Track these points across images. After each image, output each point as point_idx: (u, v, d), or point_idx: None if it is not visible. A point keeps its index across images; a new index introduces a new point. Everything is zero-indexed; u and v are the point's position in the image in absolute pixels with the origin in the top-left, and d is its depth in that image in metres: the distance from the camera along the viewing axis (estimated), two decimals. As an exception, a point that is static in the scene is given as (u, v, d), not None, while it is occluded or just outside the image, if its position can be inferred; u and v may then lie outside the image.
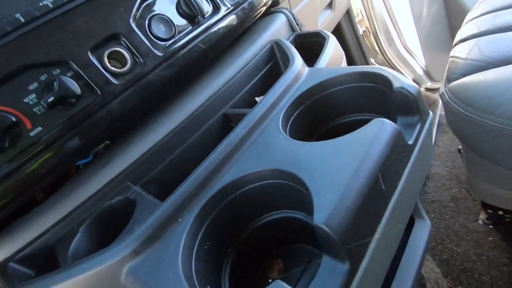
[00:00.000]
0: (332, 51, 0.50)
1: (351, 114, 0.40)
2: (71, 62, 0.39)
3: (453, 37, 1.62)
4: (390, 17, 1.48)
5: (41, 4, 0.38)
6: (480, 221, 0.84)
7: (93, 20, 0.41)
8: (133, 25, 0.44)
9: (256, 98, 0.57)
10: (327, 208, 0.22)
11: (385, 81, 0.33)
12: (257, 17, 0.62)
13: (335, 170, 0.25)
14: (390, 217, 0.25)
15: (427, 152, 0.31)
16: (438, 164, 1.05)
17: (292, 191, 0.30)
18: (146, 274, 0.27)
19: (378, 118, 0.28)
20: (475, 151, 0.61)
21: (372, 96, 0.37)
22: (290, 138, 0.33)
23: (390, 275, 0.40)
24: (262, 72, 0.58)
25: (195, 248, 0.29)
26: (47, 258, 0.41)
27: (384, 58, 1.58)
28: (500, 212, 0.81)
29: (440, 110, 1.39)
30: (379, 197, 0.25)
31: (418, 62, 1.62)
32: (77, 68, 0.39)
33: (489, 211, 0.84)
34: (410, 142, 0.29)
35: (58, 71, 0.39)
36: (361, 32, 1.49)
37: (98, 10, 0.41)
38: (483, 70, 0.56)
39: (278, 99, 0.39)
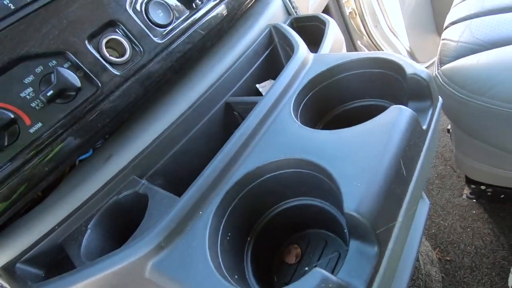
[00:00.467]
0: (334, 36, 0.50)
1: (359, 99, 0.40)
2: (67, 52, 0.37)
3: (436, 19, 1.65)
4: (376, -2, 1.48)
5: (31, -12, 0.35)
6: (464, 196, 0.90)
7: (88, 5, 0.38)
8: (130, 11, 0.41)
9: (257, 85, 0.56)
10: (356, 196, 0.23)
11: (397, 67, 0.33)
12: (253, 0, 0.60)
13: (359, 158, 0.26)
14: (410, 200, 0.27)
15: (436, 135, 0.33)
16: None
17: (310, 180, 0.31)
18: (173, 268, 0.27)
19: (396, 105, 0.28)
20: (465, 130, 0.64)
21: (381, 82, 0.38)
22: (305, 126, 0.33)
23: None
24: (262, 58, 0.57)
25: (219, 240, 0.29)
26: (56, 257, 0.40)
27: (370, 39, 1.59)
28: (482, 187, 0.87)
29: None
30: (401, 182, 0.26)
31: (403, 44, 1.65)
32: (74, 58, 0.37)
33: (472, 186, 0.89)
34: (424, 127, 0.30)
35: (54, 62, 0.36)
36: (347, 14, 1.48)
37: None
38: (476, 53, 0.57)
39: (287, 86, 0.39)
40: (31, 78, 0.35)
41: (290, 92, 0.39)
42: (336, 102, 0.42)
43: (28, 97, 0.35)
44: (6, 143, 0.33)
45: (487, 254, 0.74)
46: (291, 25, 0.63)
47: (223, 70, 0.51)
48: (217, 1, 0.51)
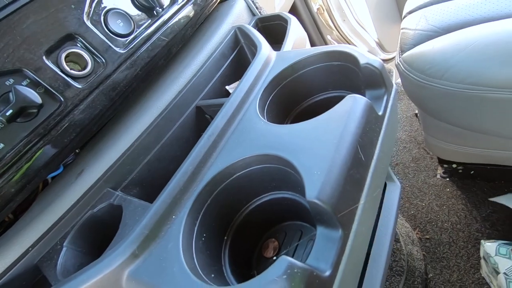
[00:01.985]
0: (296, 33, 0.51)
1: (322, 92, 0.42)
2: (25, 69, 0.36)
3: (399, 9, 1.72)
4: (340, -8, 1.52)
5: (-21, 7, 0.34)
6: (438, 176, 0.94)
7: (43, 20, 0.38)
8: (88, 23, 0.41)
9: (227, 87, 0.57)
10: (317, 184, 0.24)
11: (351, 58, 0.35)
12: (216, 3, 0.61)
13: (318, 148, 0.27)
14: (370, 183, 0.28)
15: (394, 120, 0.34)
16: (398, 129, 1.14)
17: (278, 173, 0.32)
18: (149, 275, 0.28)
19: (351, 95, 0.30)
20: (430, 113, 0.68)
21: (340, 74, 0.39)
22: (270, 123, 0.34)
23: (372, 235, 0.44)
24: (229, 60, 0.57)
25: (193, 241, 0.30)
26: (33, 279, 0.39)
27: (339, 33, 1.63)
28: (454, 165, 0.91)
29: (395, 78, 1.48)
30: (360, 167, 0.27)
31: (371, 35, 1.70)
32: (33, 75, 0.36)
33: (445, 166, 0.94)
34: (380, 113, 0.31)
35: (12, 80, 0.36)
36: (315, 10, 1.52)
37: (46, 8, 0.38)
38: (431, 39, 0.61)
39: (252, 85, 0.40)
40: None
41: (255, 91, 0.40)
42: (301, 97, 0.43)
43: (-17, 119, 0.34)
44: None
45: (462, 229, 0.77)
46: (256, 25, 0.64)
47: (191, 75, 0.52)
48: (178, 6, 0.51)
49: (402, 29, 0.71)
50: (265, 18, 0.62)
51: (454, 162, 0.90)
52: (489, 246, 0.67)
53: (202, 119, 0.52)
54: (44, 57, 0.37)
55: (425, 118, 0.73)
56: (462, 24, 0.58)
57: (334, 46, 0.37)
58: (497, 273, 0.65)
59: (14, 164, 0.36)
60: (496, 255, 0.66)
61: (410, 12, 0.72)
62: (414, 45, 0.63)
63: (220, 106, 0.49)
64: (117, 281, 0.29)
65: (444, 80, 0.55)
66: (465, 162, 0.83)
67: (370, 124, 0.29)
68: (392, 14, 1.70)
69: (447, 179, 0.92)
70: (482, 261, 0.70)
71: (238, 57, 0.59)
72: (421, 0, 0.71)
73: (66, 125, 0.39)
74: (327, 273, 0.22)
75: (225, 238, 0.34)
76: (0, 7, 0.35)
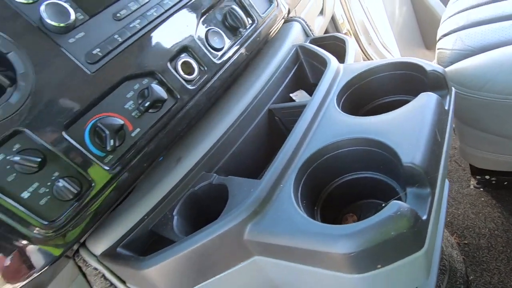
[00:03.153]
0: (354, 49, 0.61)
1: (386, 96, 0.50)
2: (156, 72, 0.46)
3: (422, 34, 1.82)
4: (368, 19, 1.64)
5: (131, 25, 0.45)
6: (472, 186, 0.99)
7: (169, 37, 0.49)
8: (196, 39, 0.52)
9: (291, 94, 0.67)
10: (410, 152, 0.32)
11: (417, 67, 0.43)
12: (281, 25, 0.72)
13: (403, 130, 0.35)
14: (444, 159, 0.36)
15: (453, 115, 0.42)
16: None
17: (363, 155, 0.40)
18: (269, 225, 0.35)
19: (425, 93, 0.38)
20: (468, 123, 0.75)
21: (401, 81, 0.48)
22: (351, 115, 0.43)
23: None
24: (292, 72, 0.67)
25: (299, 206, 0.38)
26: (147, 242, 0.48)
27: (365, 56, 1.74)
28: (487, 177, 0.96)
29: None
30: (438, 145, 0.35)
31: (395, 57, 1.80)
32: (161, 77, 0.47)
33: (478, 177, 0.99)
34: (446, 108, 0.39)
35: (147, 80, 0.46)
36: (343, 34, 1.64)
37: (172, 27, 0.49)
38: (468, 57, 0.69)
39: (328, 89, 0.49)
40: (131, 93, 0.44)
41: (331, 94, 0.49)
42: (367, 100, 0.52)
43: (130, 108, 0.44)
44: (117, 144, 0.42)
45: (500, 235, 0.81)
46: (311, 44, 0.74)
47: (263, 83, 0.61)
48: (256, 27, 0.62)
49: (438, 49, 0.80)
50: (320, 38, 0.73)
51: (487, 173, 0.95)
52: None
53: (272, 120, 0.61)
54: (168, 64, 0.48)
55: (461, 127, 0.80)
56: (497, 44, 0.67)
57: (400, 58, 0.46)
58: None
59: (146, 145, 0.45)
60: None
61: (445, 35, 0.82)
62: (452, 63, 0.72)
63: (290, 108, 0.59)
64: (240, 233, 0.37)
65: (483, 91, 0.62)
66: (499, 170, 0.88)
67: (441, 115, 0.37)
68: (415, 38, 1.81)
69: (481, 189, 0.96)
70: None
71: (298, 71, 0.69)
72: (455, 24, 0.81)
73: (179, 116, 0.49)
74: (424, 217, 0.30)
75: (315, 208, 0.42)
76: (143, 25, 0.46)
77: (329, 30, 1.57)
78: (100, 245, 0.46)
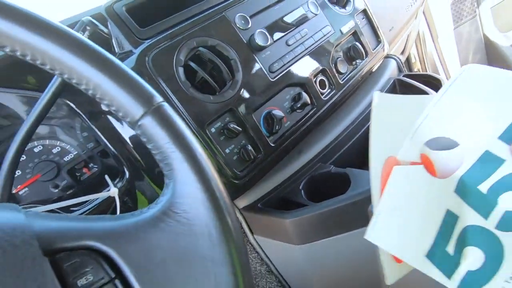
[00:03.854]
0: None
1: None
2: (305, 84, 0.64)
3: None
4: (440, 62, 1.75)
5: (295, 50, 0.64)
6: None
7: (316, 60, 0.67)
8: (331, 64, 0.70)
9: (386, 116, 0.81)
10: None
11: None
12: (382, 60, 0.88)
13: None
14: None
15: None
16: None
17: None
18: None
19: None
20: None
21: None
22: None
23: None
24: (389, 98, 0.82)
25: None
26: (275, 204, 0.64)
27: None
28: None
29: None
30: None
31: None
32: (307, 88, 0.65)
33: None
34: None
35: (298, 89, 0.64)
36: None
37: (318, 54, 0.67)
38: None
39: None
40: (288, 96, 0.63)
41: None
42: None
43: (286, 106, 0.62)
44: (278, 129, 0.59)
45: None
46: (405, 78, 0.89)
47: (370, 100, 0.77)
48: (367, 61, 0.79)
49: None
50: (415, 75, 0.87)
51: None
52: None
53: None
54: (312, 79, 0.66)
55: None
56: None
57: None
58: None
59: (292, 134, 0.62)
60: None
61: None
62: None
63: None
64: (364, 206, 0.51)
65: None
66: None
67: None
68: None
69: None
70: None
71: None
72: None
73: (314, 117, 0.66)
74: None
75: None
76: (301, 52, 0.64)
77: (402, 70, 1.69)
78: (243, 201, 0.64)
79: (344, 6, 0.77)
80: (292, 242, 0.60)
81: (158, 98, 0.25)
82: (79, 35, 0.24)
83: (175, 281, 0.22)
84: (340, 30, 0.72)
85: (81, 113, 0.50)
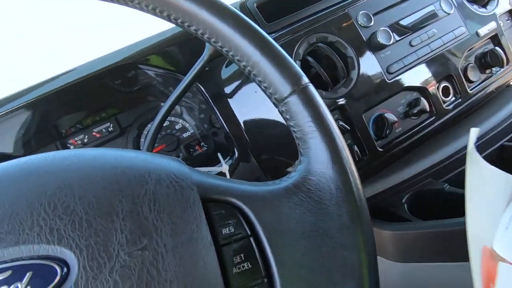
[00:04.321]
0: None
1: None
2: (425, 89, 0.58)
3: None
4: None
5: (418, 51, 0.58)
6: None
7: (441, 63, 0.60)
8: (460, 70, 0.61)
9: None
10: None
11: None
12: None
13: None
14: None
15: None
16: None
17: None
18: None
19: None
20: None
21: None
22: None
23: None
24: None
25: None
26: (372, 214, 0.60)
27: None
28: None
29: None
30: None
31: None
32: (427, 94, 0.58)
33: None
34: None
35: (416, 94, 0.59)
36: None
37: (445, 58, 0.60)
38: None
39: None
40: (403, 100, 0.58)
41: None
42: None
43: (400, 111, 0.57)
44: (388, 134, 0.55)
45: None
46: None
47: (499, 121, 0.65)
48: (502, 72, 0.66)
49: None
50: None
51: None
52: None
53: (501, 158, 0.64)
54: (435, 85, 0.59)
55: None
56: None
57: None
58: None
59: (402, 142, 0.57)
60: None
61: None
62: None
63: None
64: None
65: None
66: None
67: None
68: None
69: None
70: None
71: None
72: None
73: (430, 128, 0.59)
74: None
75: None
76: (426, 53, 0.59)
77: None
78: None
79: (485, 6, 0.67)
80: (387, 256, 0.55)
81: (306, 79, 0.27)
82: (246, 18, 0.27)
83: (302, 251, 0.23)
84: (477, 32, 0.63)
85: (207, 95, 0.57)
